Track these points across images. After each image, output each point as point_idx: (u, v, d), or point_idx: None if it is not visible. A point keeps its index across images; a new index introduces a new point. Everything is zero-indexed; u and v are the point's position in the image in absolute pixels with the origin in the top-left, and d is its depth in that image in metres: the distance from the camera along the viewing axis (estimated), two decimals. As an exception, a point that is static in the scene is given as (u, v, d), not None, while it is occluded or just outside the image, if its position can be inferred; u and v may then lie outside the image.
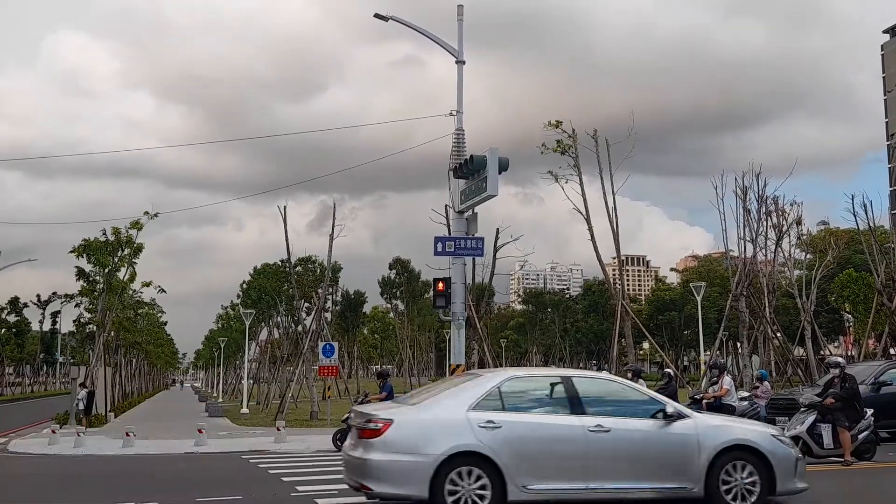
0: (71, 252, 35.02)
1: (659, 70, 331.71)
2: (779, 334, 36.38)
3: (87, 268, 35.83)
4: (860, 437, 14.08)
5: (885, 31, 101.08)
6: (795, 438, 14.00)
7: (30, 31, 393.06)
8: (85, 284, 36.42)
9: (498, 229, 34.45)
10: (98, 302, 36.44)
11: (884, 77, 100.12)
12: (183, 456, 18.57)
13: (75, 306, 41.25)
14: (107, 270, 35.23)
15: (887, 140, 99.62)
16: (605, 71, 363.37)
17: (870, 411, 14.41)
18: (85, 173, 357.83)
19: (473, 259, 30.48)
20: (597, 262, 34.21)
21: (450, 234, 23.26)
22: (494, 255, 34.33)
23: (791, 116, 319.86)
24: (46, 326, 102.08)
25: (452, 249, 21.70)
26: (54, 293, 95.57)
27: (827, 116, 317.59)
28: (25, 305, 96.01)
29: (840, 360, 14.95)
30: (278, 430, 21.37)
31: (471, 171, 20.89)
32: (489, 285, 38.59)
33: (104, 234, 34.75)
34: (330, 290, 59.53)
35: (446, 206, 25.15)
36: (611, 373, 21.11)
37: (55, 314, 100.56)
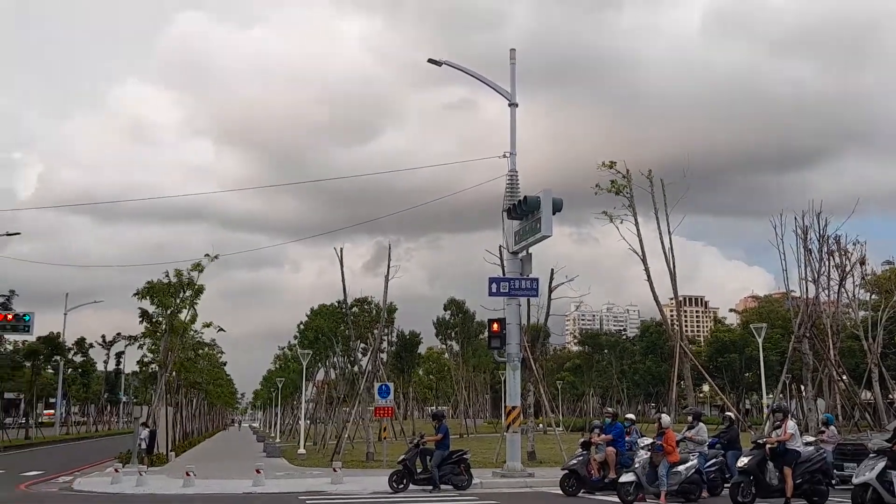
0: (135, 294, 35.91)
1: (711, 108, 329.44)
2: (844, 377, 35.32)
3: (150, 309, 36.66)
4: (933, 484, 13.56)
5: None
6: (865, 485, 13.56)
7: (97, 81, 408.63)
8: (148, 325, 37.23)
9: (553, 270, 34.37)
10: (160, 342, 37.20)
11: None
12: (242, 497, 18.76)
13: (138, 347, 42.10)
14: (169, 311, 35.98)
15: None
16: (658, 110, 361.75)
17: (943, 458, 13.87)
18: (148, 218, 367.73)
19: (528, 300, 30.47)
20: (653, 302, 33.84)
21: (504, 274, 23.32)
22: (549, 296, 34.21)
23: (848, 154, 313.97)
24: (111, 366, 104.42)
25: (507, 290, 21.75)
26: (118, 334, 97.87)
27: (886, 154, 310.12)
28: (91, 346, 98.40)
29: (910, 404, 14.50)
30: (335, 470, 21.44)
31: (525, 212, 20.99)
32: (544, 326, 38.37)
33: (167, 276, 35.61)
34: (385, 330, 59.88)
35: (500, 246, 25.24)
36: (669, 415, 20.76)
37: (119, 354, 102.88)
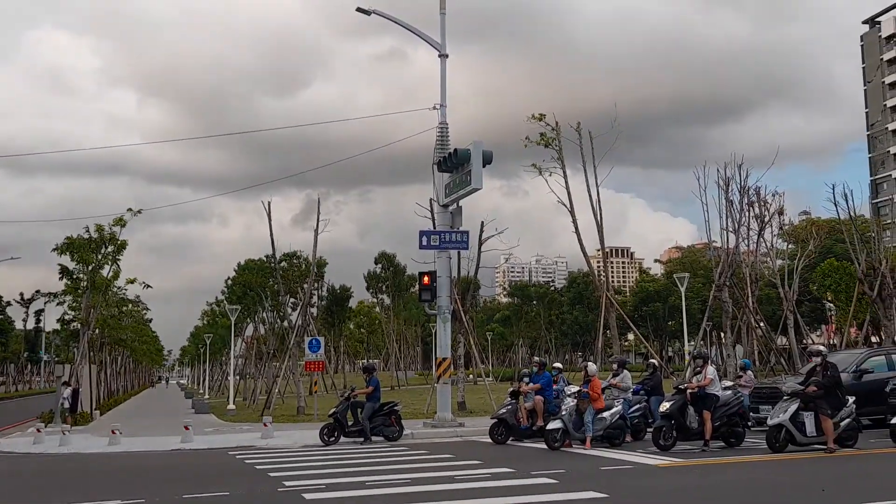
0: (54, 250, 34.79)
1: (642, 61, 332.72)
2: (762, 324, 36.70)
3: (71, 265, 35.60)
4: (842, 424, 14.25)
5: (864, 22, 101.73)
6: (779, 426, 14.18)
7: (9, 27, 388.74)
8: (68, 282, 36.18)
9: (483, 222, 34.55)
10: (82, 300, 36.23)
11: (863, 67, 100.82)
12: (169, 453, 18.54)
13: (58, 304, 41.02)
14: (90, 268, 34.99)
15: (867, 130, 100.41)
16: (589, 63, 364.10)
17: (852, 399, 14.58)
18: (67, 171, 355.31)
19: (459, 252, 30.57)
20: (581, 254, 34.41)
21: (435, 227, 23.32)
22: (479, 249, 34.43)
23: (774, 107, 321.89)
24: (30, 325, 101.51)
25: (437, 243, 21.78)
26: (37, 291, 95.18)
27: (809, 107, 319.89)
28: (8, 304, 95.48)
29: (822, 348, 15.12)
30: (265, 425, 21.35)
31: (455, 165, 20.93)
32: (474, 278, 38.68)
33: (87, 231, 34.55)
34: (315, 285, 59.51)
35: (431, 199, 25.18)
36: (595, 364, 21.25)
37: (39, 312, 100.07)
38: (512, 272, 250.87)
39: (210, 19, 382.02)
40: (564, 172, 32.12)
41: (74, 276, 35.82)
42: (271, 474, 13.15)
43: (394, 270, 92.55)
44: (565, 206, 32.44)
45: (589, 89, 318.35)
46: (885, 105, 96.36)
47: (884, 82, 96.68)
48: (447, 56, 22.89)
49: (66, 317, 42.47)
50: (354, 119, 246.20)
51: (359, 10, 23.11)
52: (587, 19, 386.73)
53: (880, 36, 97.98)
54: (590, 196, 32.88)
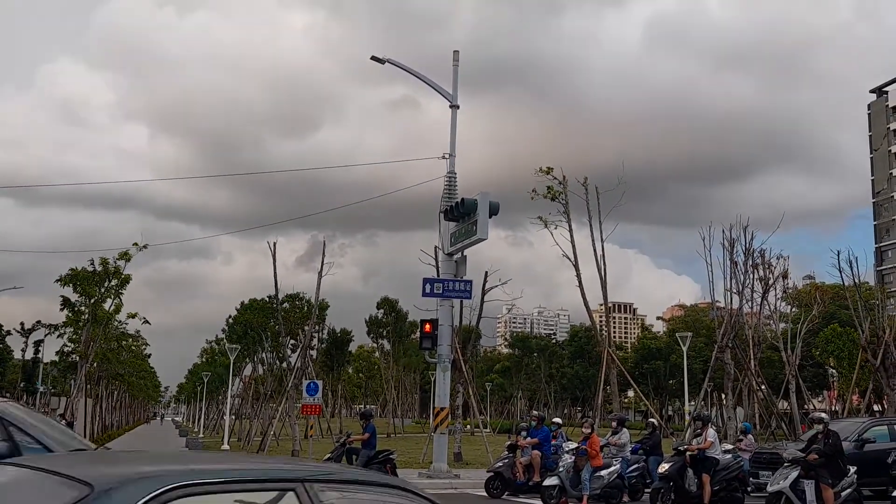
0: (57, 281, 34.83)
1: (649, 120, 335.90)
2: (763, 387, 36.42)
3: (73, 297, 35.62)
4: (843, 494, 14.05)
5: (872, 91, 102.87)
6: (778, 494, 13.98)
7: (27, 58, 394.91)
8: (69, 314, 36.16)
9: (486, 272, 34.58)
10: (82, 332, 36.16)
11: (870, 136, 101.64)
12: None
13: (59, 336, 40.91)
14: (92, 301, 35.00)
15: (873, 198, 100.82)
16: (597, 119, 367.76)
17: (853, 468, 14.40)
18: (76, 202, 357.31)
19: (461, 301, 30.55)
20: (584, 308, 34.36)
21: (438, 275, 23.35)
22: (482, 298, 34.41)
23: (779, 170, 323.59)
24: (29, 355, 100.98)
25: (440, 291, 21.75)
26: (38, 322, 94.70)
27: (814, 172, 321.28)
28: (8, 333, 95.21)
29: (824, 416, 14.98)
30: (258, 468, 21.12)
31: (461, 214, 21.02)
32: (476, 328, 38.58)
33: (92, 263, 34.62)
34: (316, 327, 59.29)
35: (436, 247, 25.26)
36: (595, 420, 21.05)
37: (38, 343, 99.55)
38: (514, 323, 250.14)
39: (225, 59, 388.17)
40: (570, 226, 32.26)
41: (76, 308, 35.81)
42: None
43: (395, 316, 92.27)
44: (569, 260, 32.50)
45: (596, 145, 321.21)
46: (891, 173, 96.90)
47: (890, 151, 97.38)
48: (458, 107, 23.16)
49: (66, 349, 42.36)
50: (364, 164, 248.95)
51: (373, 58, 23.47)
52: (597, 77, 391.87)
53: (887, 105, 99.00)
54: (594, 250, 32.98)
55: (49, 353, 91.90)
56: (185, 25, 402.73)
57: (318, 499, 3.37)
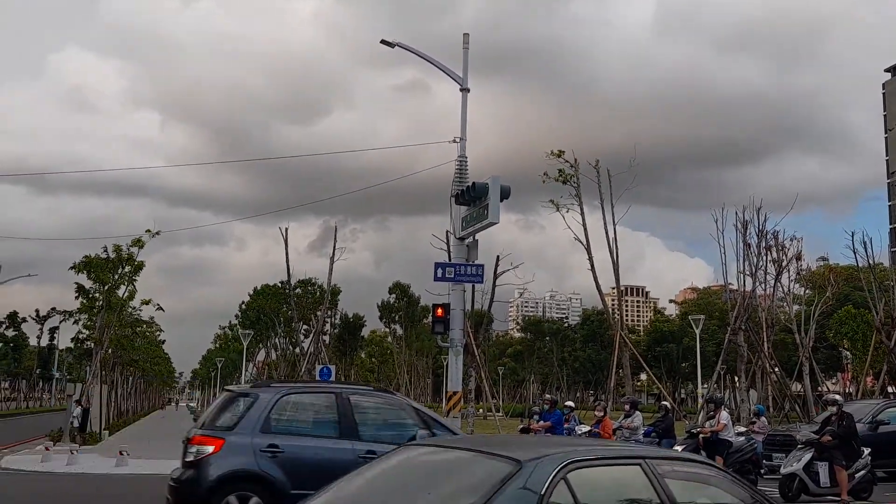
0: (71, 268, 35.04)
1: (659, 102, 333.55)
2: (777, 369, 36.30)
3: (87, 284, 35.83)
4: (857, 476, 14.02)
5: (887, 70, 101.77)
6: (792, 475, 13.96)
7: (36, 47, 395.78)
8: (84, 301, 36.39)
9: (498, 256, 34.58)
10: (96, 319, 36.41)
11: (885, 115, 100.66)
12: (176, 476, 18.45)
13: (73, 323, 41.19)
14: (106, 287, 35.20)
15: (888, 178, 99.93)
16: (608, 102, 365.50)
17: (867, 450, 14.36)
18: (88, 190, 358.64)
19: (473, 286, 30.52)
20: (596, 291, 34.35)
21: (450, 259, 23.31)
22: (494, 283, 34.46)
23: (790, 152, 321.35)
24: (44, 342, 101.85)
25: (452, 276, 21.72)
26: (53, 309, 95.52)
27: (826, 153, 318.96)
28: (24, 320, 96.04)
29: (838, 398, 14.93)
30: (273, 452, 21.26)
31: (472, 198, 20.97)
32: (488, 312, 38.64)
33: (105, 251, 34.79)
34: (329, 312, 59.51)
35: (447, 231, 25.24)
36: (607, 404, 21.05)
37: (53, 330, 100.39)
38: (526, 307, 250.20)
39: (233, 46, 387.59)
40: (581, 209, 32.19)
41: (90, 295, 36.03)
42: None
43: (407, 301, 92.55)
44: (581, 243, 32.46)
45: (607, 128, 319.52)
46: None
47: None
48: (468, 90, 23.02)
49: (80, 335, 42.66)
50: (375, 149, 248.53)
51: (383, 42, 23.35)
52: (607, 60, 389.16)
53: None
54: (606, 234, 32.90)
55: (64, 340, 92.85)
56: (192, 12, 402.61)
57: (657, 471, 4.57)
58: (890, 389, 42.18)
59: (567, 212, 32.02)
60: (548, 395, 20.60)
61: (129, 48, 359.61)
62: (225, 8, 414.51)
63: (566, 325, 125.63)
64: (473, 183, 20.97)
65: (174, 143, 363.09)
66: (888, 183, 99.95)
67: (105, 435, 36.91)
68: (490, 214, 20.20)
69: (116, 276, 35.10)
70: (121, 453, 20.78)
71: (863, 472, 14.11)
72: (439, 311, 21.67)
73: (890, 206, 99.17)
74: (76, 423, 31.57)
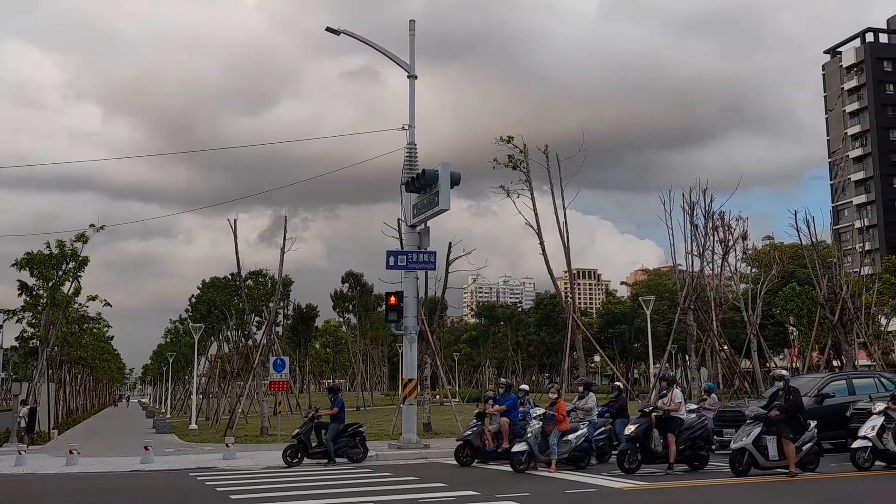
0: (13, 265, 34.17)
1: (609, 86, 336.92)
2: (726, 347, 37.00)
3: (30, 282, 34.98)
4: (804, 448, 14.36)
5: (826, 52, 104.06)
6: (742, 450, 14.25)
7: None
8: (28, 299, 35.55)
9: (451, 243, 34.55)
10: (41, 316, 35.57)
11: (825, 96, 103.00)
12: (128, 474, 18.16)
13: (17, 321, 40.18)
14: (50, 284, 34.42)
15: (829, 157, 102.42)
16: (559, 87, 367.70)
17: (813, 423, 14.71)
18: (30, 185, 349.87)
19: (426, 273, 30.51)
20: (548, 275, 34.55)
21: (402, 247, 23.24)
22: (447, 269, 34.41)
23: (737, 134, 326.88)
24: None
25: (405, 263, 21.70)
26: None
27: (772, 134, 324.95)
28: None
29: (784, 372, 15.26)
30: (227, 446, 21.03)
31: (423, 186, 20.92)
32: (442, 299, 38.61)
33: (48, 246, 33.96)
34: (281, 303, 58.97)
35: (399, 219, 25.13)
36: (562, 386, 21.25)
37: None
38: (479, 293, 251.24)
39: (178, 37, 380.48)
40: (532, 195, 32.30)
41: (34, 293, 35.20)
42: (232, 496, 12.92)
43: (361, 290, 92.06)
44: (532, 228, 32.59)
45: (558, 113, 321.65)
46: (846, 133, 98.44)
47: (844, 111, 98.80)
48: (416, 77, 22.94)
49: (25, 334, 41.64)
50: (323, 138, 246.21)
51: (328, 29, 23.12)
52: (558, 45, 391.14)
53: (841, 66, 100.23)
54: (557, 218, 33.08)
55: (8, 339, 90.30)
56: (136, 2, 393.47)
57: None
58: (835, 363, 43.29)
59: (518, 197, 32.13)
60: (503, 380, 20.74)
61: (71, 40, 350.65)
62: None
63: (520, 309, 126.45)
64: (423, 170, 20.92)
65: (118, 135, 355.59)
66: (829, 162, 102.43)
67: (54, 434, 36.17)
68: (441, 201, 20.19)
69: (61, 273, 34.33)
70: (71, 452, 20.36)
71: (809, 445, 14.46)
72: (392, 299, 21.65)
73: (832, 184, 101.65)
74: (23, 424, 30.84)
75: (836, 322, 34.91)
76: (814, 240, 36.68)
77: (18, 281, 35.18)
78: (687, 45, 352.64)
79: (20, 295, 35.75)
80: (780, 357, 76.58)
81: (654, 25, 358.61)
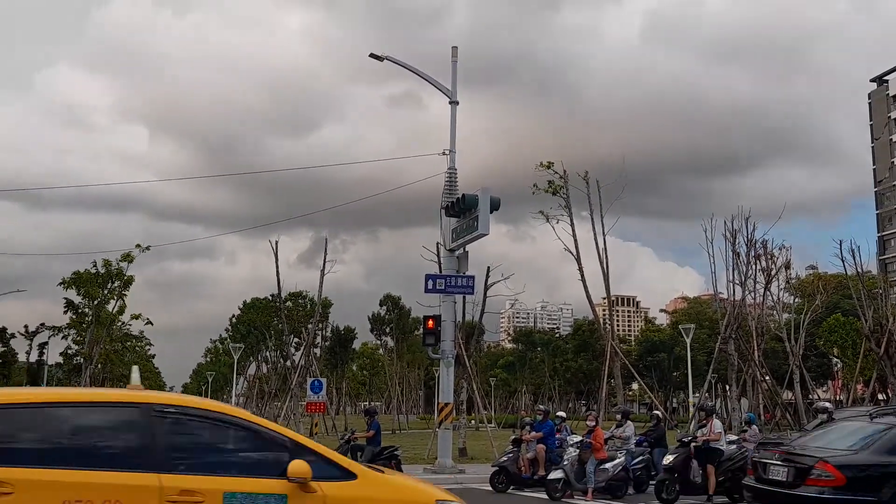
0: (60, 284, 34.98)
1: (649, 114, 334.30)
2: (767, 377, 36.42)
3: (77, 300, 35.73)
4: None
5: (872, 80, 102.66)
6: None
7: (24, 64, 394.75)
8: (73, 316, 36.29)
9: (489, 268, 34.55)
10: (86, 334, 36.28)
11: (871, 125, 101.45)
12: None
13: (63, 338, 41.09)
14: (96, 302, 35.13)
15: (875, 186, 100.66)
16: (597, 113, 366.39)
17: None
18: (79, 206, 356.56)
19: (464, 297, 30.54)
20: (587, 301, 34.36)
21: (441, 271, 23.34)
22: (485, 294, 34.38)
23: (778, 162, 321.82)
24: (33, 357, 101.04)
25: (443, 287, 21.76)
26: (42, 324, 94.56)
27: (814, 163, 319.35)
28: (13, 336, 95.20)
29: (828, 405, 15.01)
30: (264, 466, 21.17)
31: (462, 210, 21.03)
32: (479, 323, 38.58)
33: (95, 266, 34.72)
34: (320, 325, 59.44)
35: (438, 243, 25.27)
36: (599, 414, 21.09)
37: (42, 345, 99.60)
38: (517, 318, 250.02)
39: (222, 60, 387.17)
40: (571, 220, 32.27)
41: (80, 311, 35.93)
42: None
43: (399, 313, 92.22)
44: (571, 254, 32.51)
45: (596, 139, 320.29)
46: (893, 162, 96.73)
47: (891, 139, 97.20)
48: (457, 103, 23.14)
49: (70, 351, 42.51)
50: (365, 162, 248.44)
51: (372, 55, 23.45)
52: (595, 71, 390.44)
53: (888, 94, 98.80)
54: (596, 244, 32.99)
55: (53, 356, 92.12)
56: (181, 26, 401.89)
57: None
58: (880, 396, 42.32)
59: (557, 223, 32.11)
60: (541, 406, 20.64)
61: (117, 63, 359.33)
62: (215, 22, 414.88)
63: (557, 335, 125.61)
64: (463, 195, 21.03)
65: (163, 157, 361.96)
66: (875, 192, 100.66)
67: (95, 451, 36.67)
68: (480, 226, 20.26)
69: (106, 291, 35.05)
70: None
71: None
72: (430, 322, 21.70)
73: (877, 214, 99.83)
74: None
75: (882, 354, 34.17)
76: (859, 270, 36.09)
77: (65, 299, 36.01)
78: (726, 71, 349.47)
79: (66, 312, 36.56)
80: (824, 389, 75.01)
81: (693, 52, 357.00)
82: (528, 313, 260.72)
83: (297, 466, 5.26)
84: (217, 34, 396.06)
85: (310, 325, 43.01)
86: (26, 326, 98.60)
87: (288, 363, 47.36)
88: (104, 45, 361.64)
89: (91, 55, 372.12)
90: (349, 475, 5.59)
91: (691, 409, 34.64)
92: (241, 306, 62.24)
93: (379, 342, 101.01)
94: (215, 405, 5.98)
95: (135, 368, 6.71)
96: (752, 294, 35.81)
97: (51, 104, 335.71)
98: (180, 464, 5.28)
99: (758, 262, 35.59)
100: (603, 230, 32.87)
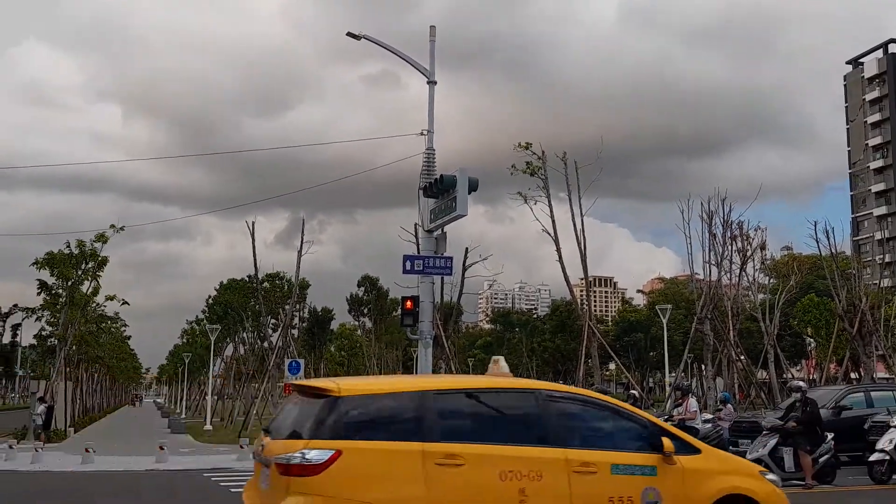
0: (33, 264, 34.50)
1: (626, 96, 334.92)
2: (742, 357, 36.76)
3: (50, 281, 35.28)
4: (821, 460, 14.25)
5: (848, 62, 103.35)
6: (757, 461, 14.16)
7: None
8: (47, 297, 35.85)
9: (467, 248, 34.55)
10: (60, 315, 35.87)
11: (846, 107, 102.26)
12: (143, 473, 18.28)
13: (36, 320, 40.56)
14: (70, 283, 34.71)
15: (849, 168, 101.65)
16: (576, 95, 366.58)
17: (830, 435, 14.60)
18: (50, 185, 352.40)
19: (442, 278, 30.52)
20: (564, 282, 34.46)
21: (419, 252, 23.26)
22: (463, 274, 34.39)
23: (755, 144, 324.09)
24: (6, 339, 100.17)
25: (421, 268, 21.66)
26: (15, 305, 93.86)
27: (790, 144, 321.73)
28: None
29: (802, 384, 15.16)
30: (242, 447, 21.13)
31: (440, 191, 20.92)
32: (457, 304, 38.61)
33: (68, 246, 34.27)
34: (297, 306, 59.20)
35: (416, 224, 25.20)
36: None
37: (15, 327, 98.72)
38: (495, 299, 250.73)
39: (199, 39, 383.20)
40: (549, 201, 32.24)
41: (53, 292, 35.50)
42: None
43: (377, 294, 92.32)
44: (549, 235, 32.51)
45: (575, 121, 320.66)
46: (867, 144, 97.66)
47: (866, 122, 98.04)
48: (435, 83, 22.94)
49: (44, 332, 42.04)
50: (342, 142, 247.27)
51: (349, 34, 23.16)
52: (573, 53, 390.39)
53: (863, 76, 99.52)
54: (574, 225, 33.00)
55: (27, 337, 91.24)
56: (155, 5, 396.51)
57: None
58: (853, 375, 42.92)
59: (535, 204, 32.06)
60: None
61: (89, 41, 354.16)
62: (189, 1, 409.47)
63: (535, 315, 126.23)
64: (441, 175, 20.91)
65: (137, 137, 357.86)
66: (850, 173, 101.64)
67: (70, 432, 36.42)
68: (458, 207, 20.16)
69: (80, 272, 34.62)
70: (87, 450, 20.51)
71: (826, 457, 14.34)
72: (408, 303, 21.63)
73: (852, 195, 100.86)
74: (40, 421, 31.08)
75: (854, 334, 34.59)
76: (833, 251, 36.42)
77: (38, 280, 35.53)
78: (702, 53, 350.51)
79: (39, 293, 36.10)
80: (798, 368, 76.00)
81: (670, 34, 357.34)
82: (506, 294, 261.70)
83: (669, 443, 6.46)
84: (193, 13, 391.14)
85: (287, 307, 42.85)
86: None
87: (265, 344, 47.19)
88: (74, 23, 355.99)
89: (63, 33, 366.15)
90: (695, 450, 6.84)
91: (667, 389, 34.93)
92: (218, 287, 61.93)
93: (357, 323, 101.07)
94: (588, 392, 7.36)
95: (501, 358, 8.67)
96: (728, 275, 36.08)
97: (20, 82, 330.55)
98: (574, 440, 6.38)
99: (734, 242, 35.80)
100: (581, 211, 32.90)
